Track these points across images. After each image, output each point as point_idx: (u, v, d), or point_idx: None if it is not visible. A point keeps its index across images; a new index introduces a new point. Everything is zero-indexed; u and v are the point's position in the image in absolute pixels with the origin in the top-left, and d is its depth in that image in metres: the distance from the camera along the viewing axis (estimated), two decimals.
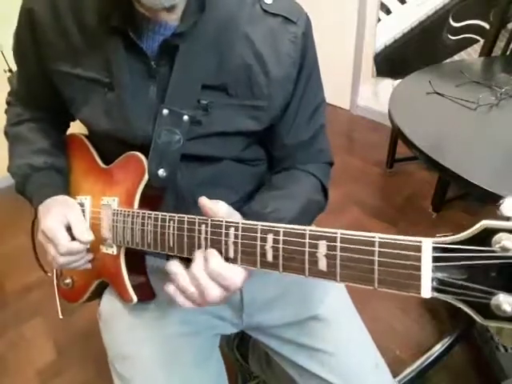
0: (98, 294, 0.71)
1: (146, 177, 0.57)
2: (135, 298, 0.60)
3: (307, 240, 0.38)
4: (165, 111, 0.55)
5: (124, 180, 0.61)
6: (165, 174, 0.57)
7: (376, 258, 0.34)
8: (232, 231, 0.44)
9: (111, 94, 0.57)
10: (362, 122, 2.71)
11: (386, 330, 1.30)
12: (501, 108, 0.96)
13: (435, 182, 1.81)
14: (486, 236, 0.29)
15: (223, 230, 0.44)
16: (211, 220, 0.46)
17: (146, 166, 0.57)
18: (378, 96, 2.62)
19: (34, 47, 0.59)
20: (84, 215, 0.64)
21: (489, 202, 0.63)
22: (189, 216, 0.48)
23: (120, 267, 0.61)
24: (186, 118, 0.56)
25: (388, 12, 2.32)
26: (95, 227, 0.63)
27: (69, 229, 0.59)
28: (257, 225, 0.42)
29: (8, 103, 0.73)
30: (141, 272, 0.64)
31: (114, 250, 0.61)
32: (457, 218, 1.78)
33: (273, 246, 0.41)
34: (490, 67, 1.34)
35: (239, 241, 0.43)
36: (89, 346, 1.34)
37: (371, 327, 0.70)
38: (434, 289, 0.31)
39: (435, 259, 0.30)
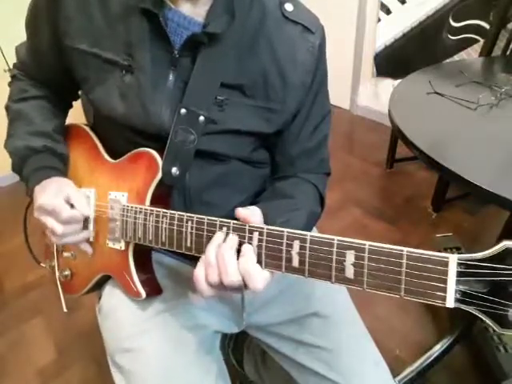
0: (98, 286, 0.71)
1: (160, 174, 0.57)
2: (144, 294, 0.60)
3: (335, 249, 0.39)
4: (183, 110, 0.56)
5: (134, 176, 0.60)
6: (178, 173, 0.58)
7: (404, 270, 0.36)
8: (256, 235, 0.45)
9: (129, 76, 0.56)
10: (362, 122, 2.71)
11: (385, 330, 1.30)
12: (501, 108, 0.96)
13: (435, 181, 1.81)
14: (506, 255, 0.31)
15: (246, 234, 0.45)
16: (233, 223, 0.46)
17: (160, 164, 0.57)
18: (378, 96, 2.62)
19: (52, 21, 0.58)
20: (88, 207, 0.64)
21: (489, 202, 0.63)
22: (209, 218, 0.48)
23: (128, 263, 0.61)
24: (201, 118, 0.57)
25: (388, 12, 2.32)
26: (101, 220, 0.64)
27: (67, 203, 0.60)
28: (283, 231, 0.43)
29: (12, 76, 0.71)
30: (147, 267, 0.64)
31: (121, 246, 0.61)
32: (457, 218, 1.78)
33: (299, 253, 0.42)
34: (490, 67, 1.34)
35: (263, 244, 0.44)
36: (89, 345, 1.34)
37: (371, 327, 0.71)
38: (457, 300, 0.33)
39: (459, 274, 0.33)
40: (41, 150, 0.65)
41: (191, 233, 0.50)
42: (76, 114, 0.80)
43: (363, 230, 1.74)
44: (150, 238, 0.56)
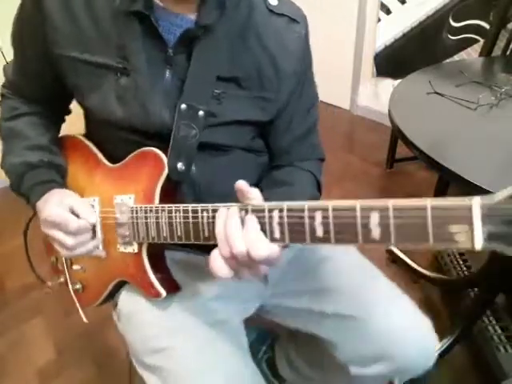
0: (111, 296, 0.70)
1: (166, 171, 0.57)
2: (164, 293, 0.60)
3: (358, 213, 0.39)
4: (183, 106, 0.57)
5: (139, 177, 0.60)
6: (183, 168, 0.59)
7: (429, 222, 0.36)
8: (276, 213, 0.44)
9: (125, 79, 0.57)
10: (362, 122, 2.71)
11: None
12: (501, 108, 0.96)
13: (435, 181, 1.81)
14: None
15: (266, 214, 0.45)
16: (251, 205, 0.46)
17: (165, 160, 0.57)
18: (378, 96, 2.62)
19: (40, 31, 0.58)
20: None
21: None
22: (224, 204, 0.48)
23: (143, 264, 0.60)
24: (201, 112, 0.58)
25: (388, 12, 2.32)
26: (109, 227, 0.62)
27: (72, 213, 0.59)
28: (303, 204, 0.42)
29: (2, 95, 0.71)
30: (163, 266, 0.64)
31: (134, 248, 0.60)
32: None
33: (323, 223, 0.41)
34: (490, 67, 1.34)
35: (285, 221, 0.43)
36: (89, 346, 1.34)
37: None
38: (485, 240, 0.34)
39: (483, 216, 0.34)
40: (37, 164, 0.64)
41: (208, 222, 0.49)
42: (70, 122, 0.79)
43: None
44: (165, 234, 0.55)
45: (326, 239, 0.41)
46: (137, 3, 0.54)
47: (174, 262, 0.66)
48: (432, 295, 1.43)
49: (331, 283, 0.70)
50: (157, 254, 0.62)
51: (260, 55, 0.60)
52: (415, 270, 1.46)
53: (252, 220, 0.45)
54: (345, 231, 0.40)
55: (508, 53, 1.59)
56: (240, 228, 0.45)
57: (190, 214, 0.51)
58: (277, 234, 0.44)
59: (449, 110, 0.98)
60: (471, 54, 2.06)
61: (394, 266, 1.52)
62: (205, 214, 0.50)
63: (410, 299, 0.68)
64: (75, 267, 0.69)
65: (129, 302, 0.67)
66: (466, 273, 1.44)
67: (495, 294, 1.22)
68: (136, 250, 0.60)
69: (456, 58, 2.11)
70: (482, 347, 1.20)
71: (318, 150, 0.74)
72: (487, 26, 1.91)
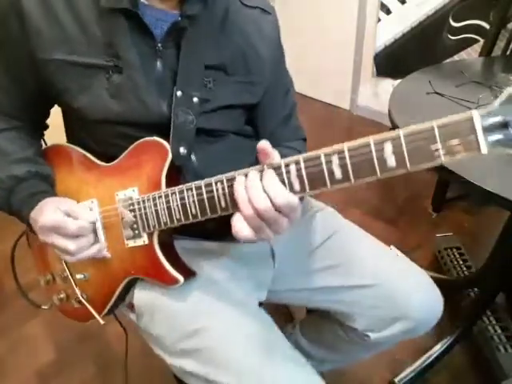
0: (118, 302, 0.69)
1: (170, 155, 0.58)
2: (181, 278, 0.61)
3: (372, 147, 0.42)
4: (179, 93, 0.59)
5: (141, 167, 0.60)
6: (185, 152, 0.60)
7: (438, 140, 0.40)
8: (293, 167, 0.46)
9: (118, 76, 0.58)
10: (362, 122, 2.71)
11: None
12: None
13: (435, 181, 1.81)
14: None
15: (283, 170, 0.46)
16: (266, 165, 0.47)
17: (168, 146, 0.59)
18: (378, 96, 2.62)
19: (22, 38, 0.57)
20: (96, 220, 0.62)
21: (489, 202, 0.63)
22: (239, 171, 0.49)
23: (156, 253, 0.61)
24: (196, 99, 0.61)
25: (388, 12, 2.32)
26: (113, 226, 0.62)
27: (69, 217, 0.59)
28: (318, 152, 0.45)
29: None
30: (174, 254, 0.64)
31: (144, 240, 0.60)
32: (457, 218, 1.78)
33: (340, 164, 0.44)
34: (490, 67, 1.34)
35: (303, 172, 0.45)
36: (89, 346, 1.34)
37: None
38: (489, 145, 0.39)
39: (484, 123, 0.39)
40: (25, 176, 0.62)
41: (224, 193, 0.50)
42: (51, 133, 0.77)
43: (363, 229, 1.74)
44: (178, 216, 0.55)
45: (345, 179, 0.44)
46: (123, 1, 0.55)
47: (185, 250, 0.67)
48: None
49: (343, 258, 0.74)
50: (167, 243, 0.63)
51: (241, 42, 0.65)
52: None
53: (269, 172, 0.46)
54: (362, 167, 0.43)
55: (508, 53, 1.59)
56: (261, 186, 0.46)
57: (204, 190, 0.52)
58: (296, 186, 0.46)
59: (449, 110, 0.98)
60: (471, 54, 2.06)
61: None
62: (219, 185, 0.51)
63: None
64: (78, 276, 0.67)
65: (147, 298, 0.67)
66: (466, 273, 1.44)
67: (495, 293, 1.22)
68: (146, 242, 0.60)
69: (456, 57, 2.11)
70: (482, 347, 1.20)
71: (300, 131, 0.81)
72: (487, 26, 1.91)
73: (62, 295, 0.71)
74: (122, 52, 0.57)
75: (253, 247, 0.71)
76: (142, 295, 0.67)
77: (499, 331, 1.20)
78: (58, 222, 0.57)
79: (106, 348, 1.33)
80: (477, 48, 1.99)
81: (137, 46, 0.58)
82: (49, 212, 0.58)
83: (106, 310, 0.69)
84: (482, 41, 1.96)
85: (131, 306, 0.69)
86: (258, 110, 0.73)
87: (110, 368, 1.25)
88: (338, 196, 1.95)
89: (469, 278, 1.41)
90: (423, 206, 1.87)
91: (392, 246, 0.80)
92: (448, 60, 2.10)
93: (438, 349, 1.17)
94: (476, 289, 1.35)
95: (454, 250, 1.53)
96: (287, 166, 0.46)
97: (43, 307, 0.75)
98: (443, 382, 1.17)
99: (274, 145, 0.70)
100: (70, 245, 0.57)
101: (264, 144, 0.47)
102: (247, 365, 0.59)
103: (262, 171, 0.47)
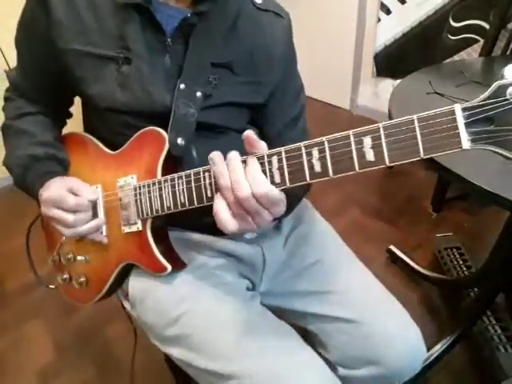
0: (114, 286, 0.71)
1: (167, 145, 0.60)
2: (169, 266, 0.62)
3: (352, 140, 0.43)
4: (182, 85, 0.61)
5: (141, 156, 0.63)
6: (183, 143, 0.62)
7: (418, 133, 0.39)
8: (275, 158, 0.47)
9: (127, 67, 0.60)
10: (362, 122, 2.70)
11: None
12: None
13: (435, 182, 1.81)
14: (501, 91, 0.37)
15: (265, 160, 0.47)
16: (249, 156, 0.47)
17: (166, 135, 0.60)
18: (378, 96, 2.62)
19: (47, 27, 0.60)
20: (97, 203, 0.66)
21: (489, 202, 0.63)
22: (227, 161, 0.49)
23: (147, 240, 0.62)
24: (199, 94, 0.62)
25: (388, 12, 2.32)
26: (112, 210, 0.65)
27: (71, 193, 0.62)
28: (299, 145, 0.45)
29: (6, 99, 0.73)
30: (167, 243, 0.66)
31: (138, 226, 0.63)
32: (457, 218, 1.78)
33: (320, 157, 0.44)
34: (490, 67, 1.34)
35: (284, 164, 0.46)
36: (89, 346, 1.35)
37: None
38: (471, 140, 0.38)
39: (466, 117, 0.38)
40: (42, 157, 0.67)
41: (210, 183, 0.52)
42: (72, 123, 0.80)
43: (363, 230, 1.74)
44: (168, 204, 0.57)
45: (324, 173, 0.44)
46: None
47: (179, 240, 0.69)
48: (432, 295, 1.43)
49: (325, 286, 0.72)
50: (160, 232, 0.64)
51: (251, 43, 0.66)
52: (415, 270, 1.46)
53: (252, 161, 0.47)
54: (341, 160, 0.43)
55: (508, 53, 1.59)
56: (243, 171, 0.47)
57: (192, 178, 0.54)
58: (277, 178, 0.47)
59: None
60: (471, 54, 2.06)
61: (394, 266, 1.52)
62: (206, 174, 0.52)
63: (407, 300, 0.70)
64: (79, 258, 0.71)
65: (140, 285, 0.69)
66: (466, 273, 1.44)
67: (495, 293, 1.22)
68: (140, 228, 0.62)
69: (456, 57, 2.11)
70: (482, 347, 1.20)
71: (307, 133, 0.80)
72: (487, 26, 1.91)
73: (65, 275, 0.74)
74: (133, 44, 0.59)
75: (246, 249, 0.73)
76: (135, 283, 0.69)
77: (499, 331, 1.20)
78: (60, 196, 0.61)
79: (106, 348, 1.33)
80: (477, 48, 1.99)
81: (147, 40, 0.60)
82: (53, 188, 0.62)
83: (102, 293, 0.71)
84: (482, 41, 1.96)
85: (126, 295, 0.72)
86: (267, 110, 0.73)
87: (110, 368, 1.26)
88: (338, 196, 1.96)
89: (469, 277, 1.41)
90: (423, 206, 1.87)
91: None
92: (448, 60, 2.10)
93: (438, 349, 1.17)
94: (476, 289, 1.35)
95: (454, 250, 1.53)
96: (269, 156, 0.47)
97: (50, 286, 0.79)
98: (443, 381, 1.17)
99: (280, 145, 0.71)
100: (68, 217, 0.61)
101: (249, 133, 0.47)
102: (229, 347, 0.60)
103: (245, 161, 0.48)
